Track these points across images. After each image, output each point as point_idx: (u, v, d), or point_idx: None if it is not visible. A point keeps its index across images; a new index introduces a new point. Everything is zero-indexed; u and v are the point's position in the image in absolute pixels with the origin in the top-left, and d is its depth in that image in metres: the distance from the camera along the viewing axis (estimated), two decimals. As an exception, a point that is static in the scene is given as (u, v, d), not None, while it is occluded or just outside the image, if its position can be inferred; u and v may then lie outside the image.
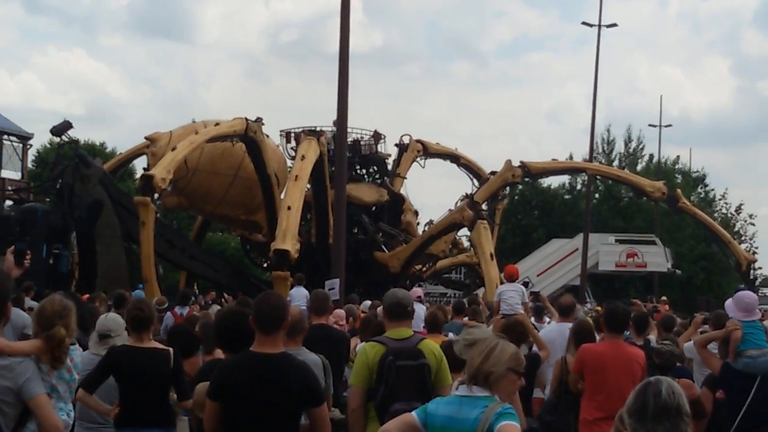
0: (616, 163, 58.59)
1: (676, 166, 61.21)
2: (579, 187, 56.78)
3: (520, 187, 51.63)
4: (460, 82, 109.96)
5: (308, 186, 27.26)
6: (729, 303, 8.45)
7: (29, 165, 48.20)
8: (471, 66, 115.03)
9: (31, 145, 47.57)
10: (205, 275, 31.28)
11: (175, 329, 9.70)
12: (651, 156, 59.75)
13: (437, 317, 9.67)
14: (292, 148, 30.60)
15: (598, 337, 9.58)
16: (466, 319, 13.16)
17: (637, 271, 44.60)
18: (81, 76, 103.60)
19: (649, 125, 56.21)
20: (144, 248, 23.26)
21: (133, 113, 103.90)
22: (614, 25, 42.98)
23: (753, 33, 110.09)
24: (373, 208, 32.28)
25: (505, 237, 51.17)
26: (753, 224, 60.50)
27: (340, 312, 12.49)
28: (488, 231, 28.73)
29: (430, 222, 32.98)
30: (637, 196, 38.77)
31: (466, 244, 38.75)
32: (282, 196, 26.77)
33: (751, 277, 35.66)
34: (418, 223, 34.34)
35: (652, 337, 11.18)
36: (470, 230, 29.12)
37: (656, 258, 42.94)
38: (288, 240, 23.33)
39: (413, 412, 4.88)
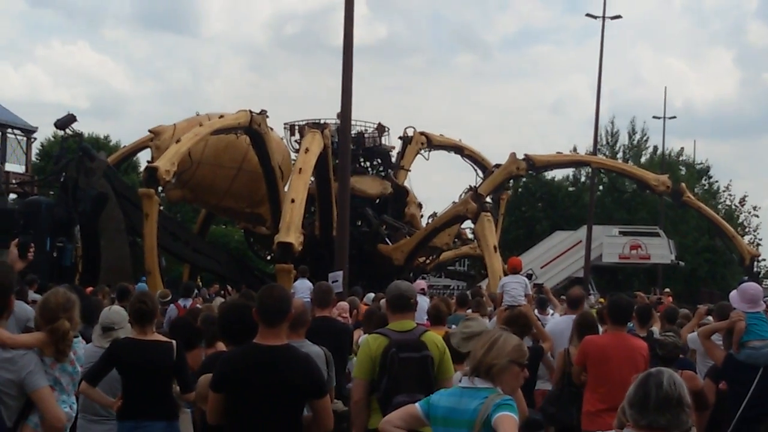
0: (620, 155, 58.49)
1: (680, 158, 61.07)
2: (583, 179, 56.72)
3: (524, 179, 51.56)
4: (464, 74, 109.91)
5: (312, 179, 27.26)
6: (734, 294, 8.44)
7: (33, 158, 48.25)
8: (475, 58, 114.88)
9: (35, 139, 47.70)
10: (209, 268, 31.31)
11: (177, 322, 9.73)
12: (655, 148, 59.68)
13: (440, 309, 9.65)
14: (296, 141, 30.61)
15: (601, 329, 9.59)
16: (469, 311, 13.15)
17: (640, 263, 44.51)
18: (85, 69, 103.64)
19: (653, 117, 56.12)
20: (147, 240, 23.30)
21: (137, 106, 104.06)
22: (618, 16, 42.95)
23: (757, 25, 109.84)
24: (377, 201, 32.30)
25: (509, 229, 51.09)
26: (757, 216, 60.45)
27: (344, 304, 12.49)
28: (492, 223, 28.71)
29: (434, 214, 33.02)
30: (642, 189, 38.68)
31: (470, 235, 38.72)
32: (286, 189, 26.79)
33: (755, 270, 35.63)
34: (421, 216, 34.38)
35: (656, 328, 11.18)
36: (474, 222, 29.10)
37: (660, 250, 42.84)
38: (292, 233, 23.35)
39: (417, 404, 4.91)
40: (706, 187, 59.28)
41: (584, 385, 8.59)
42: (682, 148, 62.88)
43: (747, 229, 58.93)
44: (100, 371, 7.12)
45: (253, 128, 26.60)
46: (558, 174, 56.37)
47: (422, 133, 34.49)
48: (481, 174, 34.25)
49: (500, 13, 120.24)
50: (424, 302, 13.52)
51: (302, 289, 18.88)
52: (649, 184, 34.05)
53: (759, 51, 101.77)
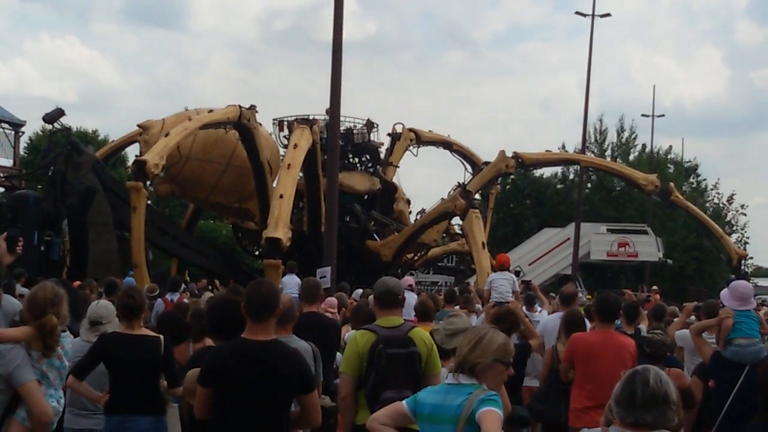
0: (608, 152, 58.65)
1: (669, 156, 61.26)
2: (571, 176, 56.83)
3: (513, 176, 51.63)
4: (453, 71, 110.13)
5: (301, 174, 27.23)
6: (724, 292, 8.47)
7: (21, 152, 48.12)
8: (465, 55, 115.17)
9: (23, 132, 47.56)
10: (197, 263, 31.27)
11: (164, 317, 9.70)
12: (644, 146, 59.88)
13: (428, 305, 9.64)
14: (284, 137, 30.54)
15: (589, 327, 9.61)
16: (457, 307, 13.16)
17: (628, 260, 44.65)
18: (74, 64, 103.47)
19: (642, 115, 56.48)
20: (135, 233, 23.24)
21: (125, 101, 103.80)
22: (608, 15, 43.15)
23: (746, 23, 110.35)
24: (366, 197, 32.24)
25: (497, 226, 51.17)
26: (744, 214, 60.65)
27: (332, 300, 12.50)
28: (480, 220, 28.73)
29: (423, 211, 32.98)
30: (630, 188, 38.74)
31: (459, 231, 38.72)
32: (274, 185, 26.74)
33: (743, 270, 35.66)
34: (410, 212, 34.32)
35: (643, 326, 11.21)
36: (462, 219, 29.12)
37: (648, 248, 42.96)
38: (280, 228, 23.31)
39: (404, 401, 4.92)
40: (694, 186, 59.48)
41: (572, 382, 8.61)
42: (671, 146, 63.25)
43: (735, 227, 59.15)
44: (88, 365, 7.10)
45: (243, 123, 26.54)
46: (546, 171, 56.53)
47: (411, 130, 34.45)
48: (470, 169, 34.27)
49: (490, 11, 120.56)
50: (412, 298, 13.52)
51: (290, 284, 18.88)
52: (637, 183, 34.06)
53: (747, 50, 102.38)
